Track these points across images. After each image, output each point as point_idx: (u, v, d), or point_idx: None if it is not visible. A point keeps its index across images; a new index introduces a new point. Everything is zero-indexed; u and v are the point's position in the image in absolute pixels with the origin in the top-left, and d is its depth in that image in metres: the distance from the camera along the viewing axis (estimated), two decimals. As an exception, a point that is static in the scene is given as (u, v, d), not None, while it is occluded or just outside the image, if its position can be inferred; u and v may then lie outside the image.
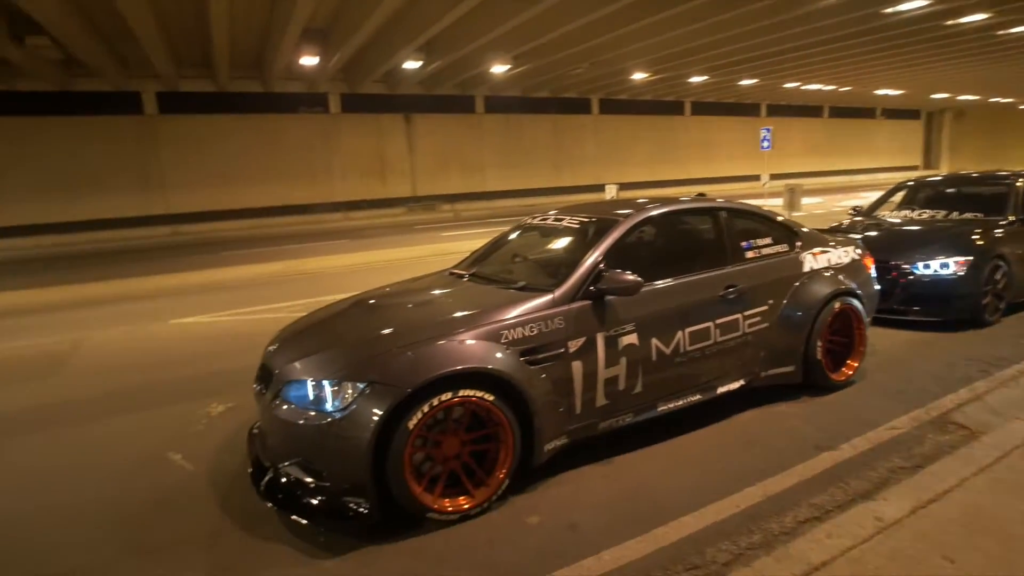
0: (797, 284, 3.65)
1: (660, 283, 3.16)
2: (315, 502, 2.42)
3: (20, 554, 2.55)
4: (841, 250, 4.02)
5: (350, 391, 2.40)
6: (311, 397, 2.49)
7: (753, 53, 18.13)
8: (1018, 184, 5.56)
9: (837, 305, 3.71)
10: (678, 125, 29.57)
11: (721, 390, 3.38)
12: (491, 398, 2.52)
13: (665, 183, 27.98)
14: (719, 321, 3.29)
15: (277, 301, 7.59)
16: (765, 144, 21.21)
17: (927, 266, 4.83)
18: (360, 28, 13.09)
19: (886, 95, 30.57)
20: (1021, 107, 38.41)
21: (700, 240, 3.64)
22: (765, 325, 3.50)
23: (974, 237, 5.03)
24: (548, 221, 3.75)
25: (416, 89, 21.40)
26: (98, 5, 11.61)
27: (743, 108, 31.46)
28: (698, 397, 3.29)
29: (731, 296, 3.35)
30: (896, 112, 38.42)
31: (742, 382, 3.47)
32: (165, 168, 18.68)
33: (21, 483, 3.20)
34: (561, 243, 3.62)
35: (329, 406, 2.42)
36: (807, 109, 34.04)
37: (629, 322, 2.95)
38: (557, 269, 3.13)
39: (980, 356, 4.33)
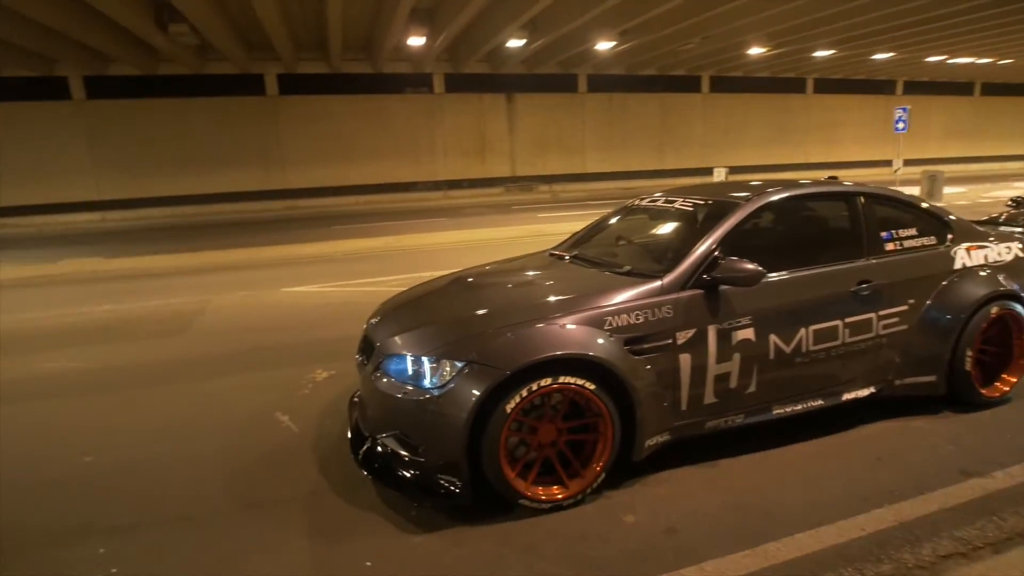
0: (945, 283, 3.22)
1: (783, 274, 2.88)
2: (409, 475, 2.43)
3: (136, 497, 2.78)
4: (1002, 246, 3.48)
5: (448, 369, 2.37)
6: (410, 372, 2.48)
7: (892, 22, 16.27)
8: None
9: (994, 310, 3.22)
10: (797, 105, 27.35)
11: (847, 397, 3.04)
12: (592, 387, 2.39)
13: (781, 167, 26.11)
14: (849, 320, 2.95)
15: (379, 275, 7.89)
16: (900, 126, 19.09)
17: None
18: (466, 7, 13.14)
19: (1055, 68, 26.40)
20: None
21: (831, 229, 3.29)
22: (904, 327, 3.11)
23: None
24: (657, 203, 3.52)
25: (518, 68, 21.30)
26: (230, -8, 12.53)
27: (874, 85, 28.50)
28: (820, 403, 2.97)
29: (864, 293, 3.00)
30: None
31: (872, 390, 3.11)
32: (283, 146, 20.00)
33: (147, 431, 3.50)
34: (671, 227, 3.40)
35: (427, 382, 2.41)
36: (952, 86, 30.25)
37: (745, 315, 2.71)
38: (665, 254, 2.95)
39: None
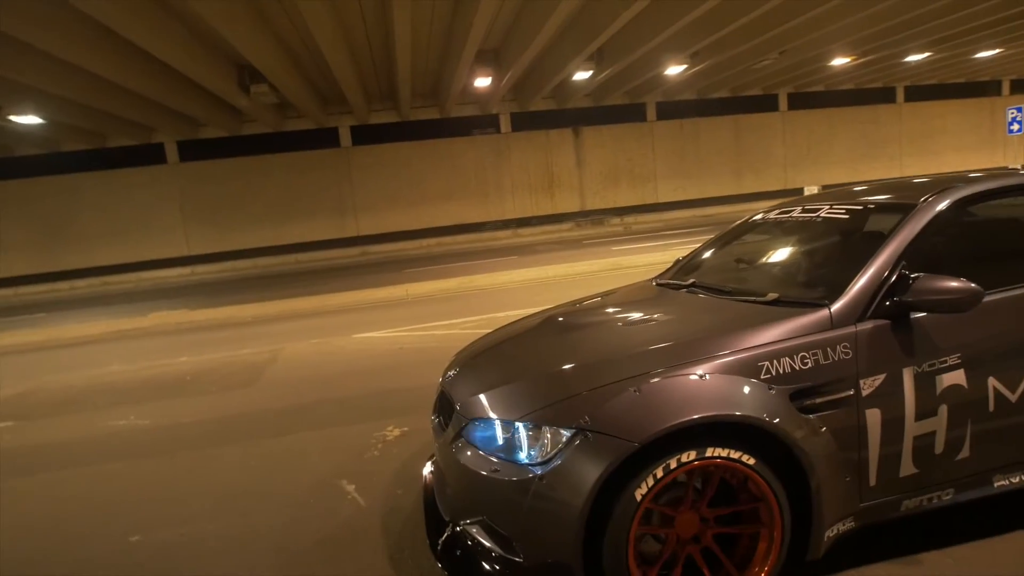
0: None
1: (996, 294, 2.12)
2: None
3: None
4: None
5: (550, 438, 1.81)
6: (500, 442, 1.93)
7: (998, 15, 14.69)
8: None
9: None
10: (886, 115, 25.42)
11: None
12: (751, 461, 1.73)
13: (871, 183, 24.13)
14: None
15: (452, 317, 7.50)
16: (1015, 128, 17.17)
17: None
18: (531, 43, 12.98)
19: None
20: None
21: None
22: None
23: None
24: (791, 214, 2.85)
25: (584, 102, 21.04)
26: (307, 53, 13.01)
27: (975, 88, 26.09)
28: None
29: None
30: None
31: None
32: (356, 194, 20.53)
33: (202, 503, 3.09)
34: (821, 242, 2.71)
35: (523, 456, 1.85)
36: (1069, 82, 27.26)
37: (952, 352, 2.00)
38: (825, 276, 2.38)
39: None
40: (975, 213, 2.40)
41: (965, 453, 2.05)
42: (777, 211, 2.95)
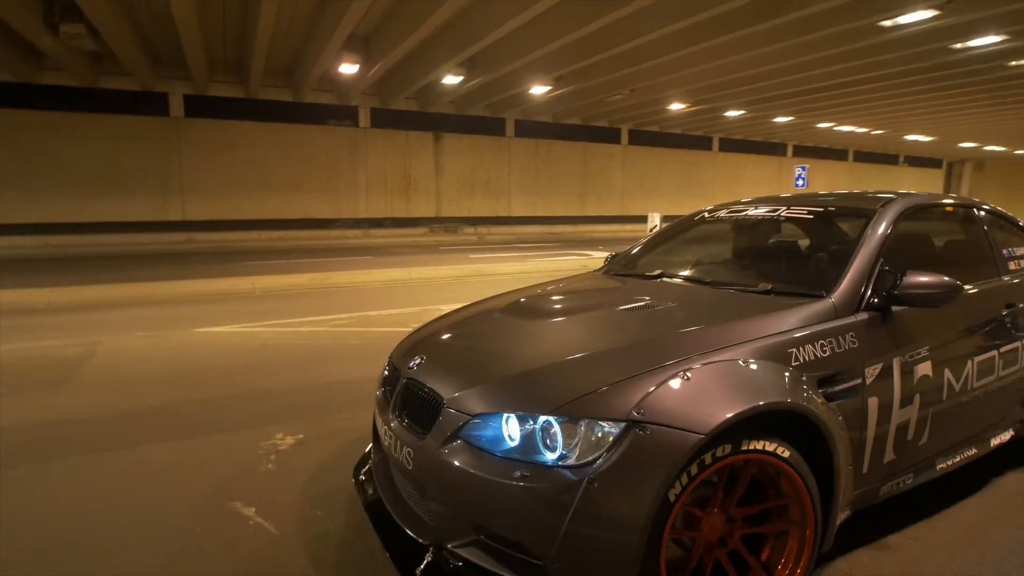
0: None
1: None
2: None
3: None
4: None
5: (587, 434, 1.54)
6: (516, 442, 1.62)
7: (797, 88, 17.66)
8: None
9: None
10: (705, 160, 29.14)
11: (995, 442, 2.61)
12: (786, 454, 1.66)
13: (691, 218, 27.43)
14: (1003, 349, 2.52)
15: (315, 314, 6.83)
16: (800, 183, 20.64)
17: None
18: (407, 37, 12.54)
19: (915, 141, 30.21)
20: (1044, 161, 38.24)
21: (963, 244, 2.90)
22: None
23: None
24: (746, 213, 2.94)
25: (447, 108, 20.91)
26: (138, -4, 11.05)
27: (770, 147, 31.11)
28: (974, 451, 2.50)
29: (1010, 318, 2.60)
30: (918, 160, 38.19)
31: (1012, 432, 2.69)
32: (185, 173, 18.00)
33: (35, 539, 2.29)
34: (789, 239, 2.85)
35: (552, 457, 1.55)
36: (832, 152, 33.74)
37: (922, 344, 2.15)
38: (806, 270, 2.53)
39: None
40: (914, 224, 2.68)
41: (925, 439, 2.21)
42: (728, 210, 3.03)
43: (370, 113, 20.37)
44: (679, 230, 3.23)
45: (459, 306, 2.81)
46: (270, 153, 18.95)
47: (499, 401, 1.71)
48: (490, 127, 22.62)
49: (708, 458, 1.56)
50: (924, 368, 2.14)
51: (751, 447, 1.61)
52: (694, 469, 1.55)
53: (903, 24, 11.04)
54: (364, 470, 2.37)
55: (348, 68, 15.03)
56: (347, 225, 20.33)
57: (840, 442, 1.81)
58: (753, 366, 1.74)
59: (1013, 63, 14.08)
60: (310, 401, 3.85)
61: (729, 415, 1.55)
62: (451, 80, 16.31)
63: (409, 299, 7.82)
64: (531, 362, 1.88)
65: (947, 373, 2.24)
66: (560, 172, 24.72)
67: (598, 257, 13.59)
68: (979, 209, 2.88)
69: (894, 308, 2.08)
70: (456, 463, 1.66)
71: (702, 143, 28.72)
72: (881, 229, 2.28)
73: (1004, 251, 2.85)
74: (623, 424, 1.52)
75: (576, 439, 1.54)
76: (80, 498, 2.58)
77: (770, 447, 1.64)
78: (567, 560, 1.50)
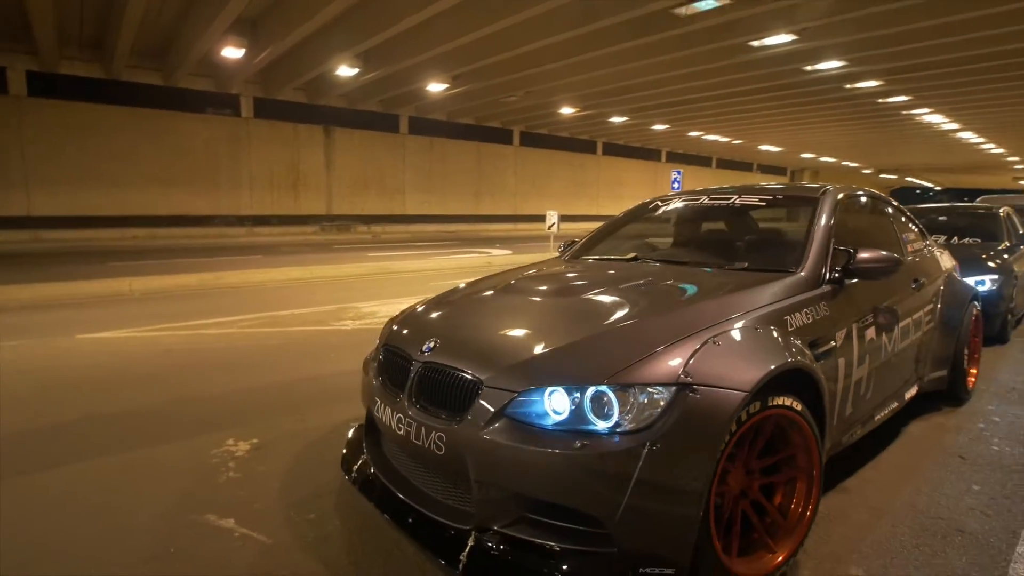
0: (942, 282, 3.46)
1: None
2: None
3: None
4: (947, 254, 3.91)
5: (638, 399, 1.60)
6: (566, 414, 1.64)
7: (674, 99, 19.21)
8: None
9: (975, 308, 3.61)
10: (590, 163, 30.64)
11: (908, 396, 3.02)
12: (799, 407, 1.88)
13: (579, 217, 28.66)
14: (914, 316, 2.97)
15: (216, 315, 6.36)
16: (676, 185, 22.45)
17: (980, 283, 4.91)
18: (302, 23, 11.94)
19: (767, 151, 33.99)
20: (864, 171, 44.76)
21: (879, 227, 3.28)
22: (932, 325, 3.22)
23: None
24: (698, 202, 3.18)
25: (338, 102, 20.14)
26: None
27: (647, 152, 33.41)
28: (896, 404, 2.88)
29: (916, 290, 3.06)
30: (768, 168, 42.98)
31: (916, 388, 3.14)
32: (30, 161, 15.69)
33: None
34: (746, 223, 3.19)
35: (606, 425, 1.59)
36: (699, 159, 36.93)
37: (868, 312, 2.48)
38: (770, 250, 2.80)
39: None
40: (846, 210, 2.94)
41: (870, 394, 2.52)
42: (678, 199, 3.30)
43: (253, 103, 19.07)
44: (628, 219, 3.43)
45: (421, 297, 2.81)
46: (137, 142, 17.09)
47: (545, 376, 1.72)
48: (384, 123, 22.12)
49: (743, 415, 1.68)
50: (870, 332, 2.46)
51: (775, 403, 1.78)
52: (733, 426, 1.65)
53: (768, 45, 12.47)
54: (358, 466, 2.31)
55: (232, 53, 13.98)
56: (229, 223, 18.88)
57: (829, 397, 2.06)
58: (764, 331, 1.92)
59: (848, 86, 16.40)
60: (251, 405, 3.61)
61: (762, 374, 1.71)
62: (345, 72, 15.76)
63: (318, 298, 7.48)
64: (567, 336, 1.90)
65: (883, 337, 2.58)
66: (455, 171, 24.77)
67: (498, 255, 13.83)
68: (884, 201, 3.38)
69: (846, 281, 2.38)
70: (505, 442, 1.65)
71: (587, 147, 30.18)
72: (828, 213, 2.60)
73: (903, 236, 3.34)
74: (674, 388, 1.60)
75: (629, 406, 1.60)
76: (16, 533, 2.26)
77: (787, 402, 1.82)
78: (633, 524, 1.55)
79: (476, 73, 16.25)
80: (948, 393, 3.47)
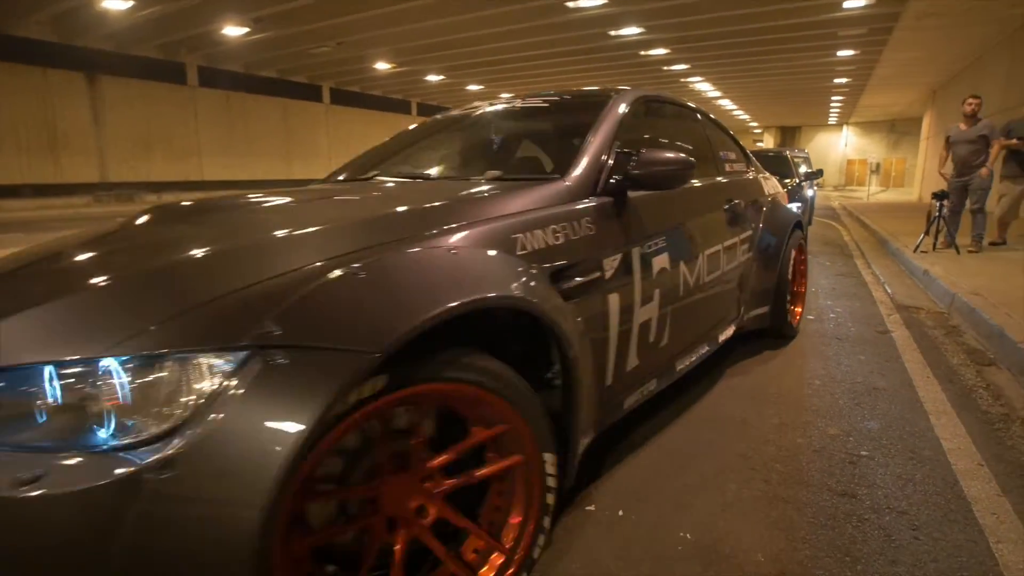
0: (765, 209, 3.17)
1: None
2: None
3: None
4: (774, 179, 3.67)
5: (181, 382, 0.93)
6: (42, 415, 0.93)
7: (489, 57, 19.48)
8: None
9: (798, 239, 3.40)
10: (407, 124, 29.86)
11: (723, 338, 2.66)
12: (498, 370, 1.28)
13: (400, 180, 28.08)
14: (726, 244, 2.57)
15: None
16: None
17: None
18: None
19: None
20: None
21: (692, 143, 2.82)
22: (750, 255, 2.92)
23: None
24: (481, 109, 2.70)
25: (104, 44, 16.71)
26: None
27: (461, 114, 33.57)
28: (707, 349, 2.48)
29: (730, 214, 2.68)
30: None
31: (733, 328, 2.80)
32: None
33: None
34: (523, 128, 2.62)
35: (106, 433, 0.91)
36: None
37: (659, 234, 1.99)
38: (542, 155, 2.26)
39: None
40: (645, 115, 2.47)
41: (665, 340, 2.03)
42: (460, 110, 2.86)
43: (-21, 40, 14.98)
44: (413, 138, 2.86)
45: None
46: None
47: (27, 343, 0.97)
48: (168, 73, 18.98)
49: (369, 391, 1.06)
50: (662, 261, 1.97)
51: (442, 374, 1.17)
52: (342, 410, 1.02)
53: (582, 7, 13.21)
54: None
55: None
56: (-43, 194, 14.86)
57: (580, 350, 1.49)
58: (463, 254, 1.31)
59: (642, 52, 18.16)
60: None
61: (422, 319, 1.09)
62: (111, 4, 13.09)
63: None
64: (87, 282, 1.14)
65: (682, 267, 2.12)
66: (260, 132, 22.40)
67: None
68: (701, 113, 2.98)
69: (631, 194, 1.87)
70: None
71: (402, 107, 29.37)
72: (619, 111, 2.11)
73: (721, 153, 2.99)
74: (243, 352, 0.94)
75: (156, 393, 0.92)
76: None
77: (473, 364, 1.22)
78: None
79: (281, 17, 14.68)
80: (771, 331, 3.27)
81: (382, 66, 20.73)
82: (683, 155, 1.83)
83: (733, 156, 3.16)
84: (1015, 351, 2.94)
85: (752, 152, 8.08)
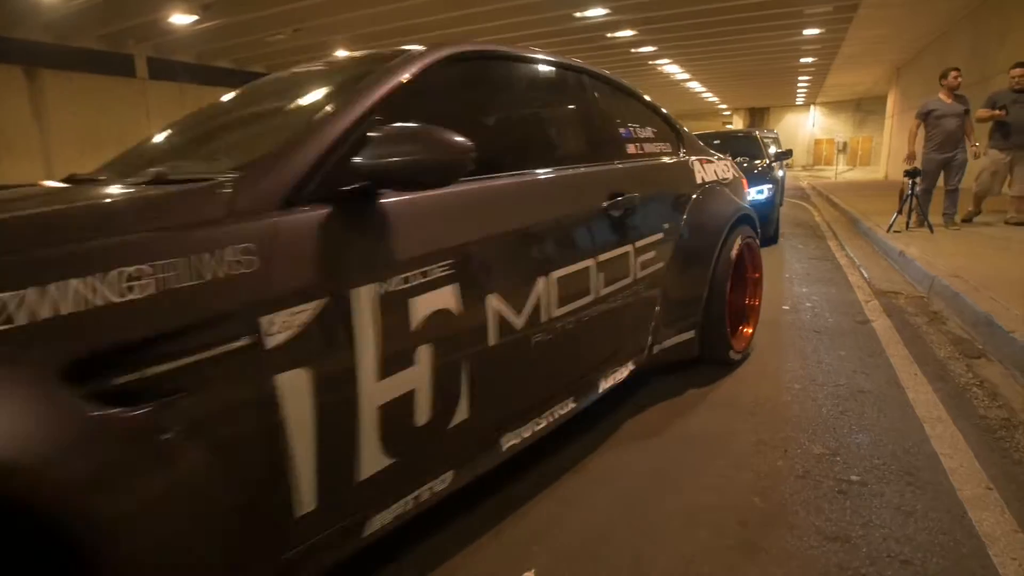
0: (691, 202, 2.47)
1: (504, 177, 1.65)
2: None
3: None
4: (723, 163, 2.96)
5: None
6: None
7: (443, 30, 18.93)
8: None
9: (740, 238, 2.60)
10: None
11: (606, 386, 1.99)
12: None
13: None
14: (603, 257, 1.88)
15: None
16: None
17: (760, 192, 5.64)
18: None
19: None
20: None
21: (558, 115, 2.14)
22: (660, 265, 2.23)
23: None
24: (295, 71, 2.14)
25: (42, 35, 15.80)
26: None
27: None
28: (572, 406, 1.84)
29: (617, 213, 1.97)
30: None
31: (632, 366, 2.14)
32: None
33: None
34: (285, 102, 1.77)
35: None
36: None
37: (435, 258, 1.34)
38: (249, 142, 1.61)
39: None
40: (467, 81, 1.76)
41: (464, 414, 1.43)
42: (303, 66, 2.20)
43: None
44: (197, 119, 2.25)
45: None
46: None
47: None
48: (115, 65, 18.05)
49: None
50: (438, 298, 1.34)
51: None
52: None
53: (546, -13, 12.79)
54: None
55: None
56: None
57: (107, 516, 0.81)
58: None
59: (608, 34, 17.81)
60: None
61: None
62: (47, -6, 12.27)
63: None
64: None
65: (494, 301, 1.47)
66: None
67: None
68: (587, 75, 2.17)
69: (394, 199, 1.29)
70: None
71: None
72: (392, 81, 1.42)
73: (623, 130, 2.27)
74: None
75: None
76: None
77: None
78: None
79: (232, 4, 13.98)
80: (703, 360, 2.53)
81: (343, 54, 20.01)
82: (459, 139, 1.23)
83: (648, 134, 2.41)
84: (1007, 342, 2.70)
85: (721, 133, 7.85)
